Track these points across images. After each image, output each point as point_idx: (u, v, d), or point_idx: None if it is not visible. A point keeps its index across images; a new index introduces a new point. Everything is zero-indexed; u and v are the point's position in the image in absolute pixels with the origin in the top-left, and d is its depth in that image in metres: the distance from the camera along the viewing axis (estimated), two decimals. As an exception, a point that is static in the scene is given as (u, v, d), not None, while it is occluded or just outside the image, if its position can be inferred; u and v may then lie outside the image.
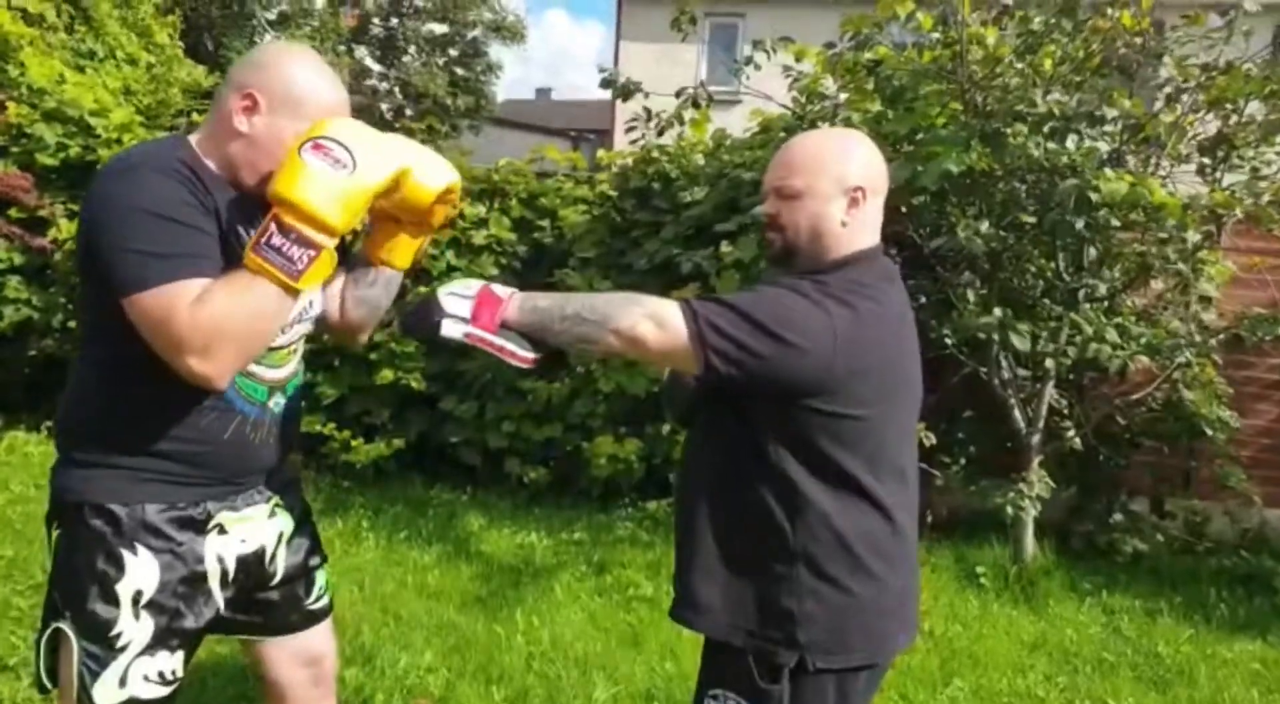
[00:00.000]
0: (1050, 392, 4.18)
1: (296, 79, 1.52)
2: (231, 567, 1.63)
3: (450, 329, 1.50)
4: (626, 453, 4.69)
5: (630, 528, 4.62)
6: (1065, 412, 4.42)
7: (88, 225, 1.46)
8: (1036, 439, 4.20)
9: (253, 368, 1.57)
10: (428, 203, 1.59)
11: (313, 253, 1.39)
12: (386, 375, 4.82)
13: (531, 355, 1.53)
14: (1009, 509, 3.89)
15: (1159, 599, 4.06)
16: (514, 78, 79.77)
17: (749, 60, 4.35)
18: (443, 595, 3.71)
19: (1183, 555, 4.51)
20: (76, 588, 1.50)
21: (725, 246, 4.35)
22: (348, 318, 1.78)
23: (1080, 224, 3.27)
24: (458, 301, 1.51)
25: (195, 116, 5.73)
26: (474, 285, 1.54)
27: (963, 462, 4.65)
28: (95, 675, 1.49)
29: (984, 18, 3.68)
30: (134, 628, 1.51)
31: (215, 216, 1.48)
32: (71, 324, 5.07)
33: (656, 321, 1.48)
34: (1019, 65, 3.45)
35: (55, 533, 1.56)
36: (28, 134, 5.37)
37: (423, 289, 4.39)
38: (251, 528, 1.67)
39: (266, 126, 1.51)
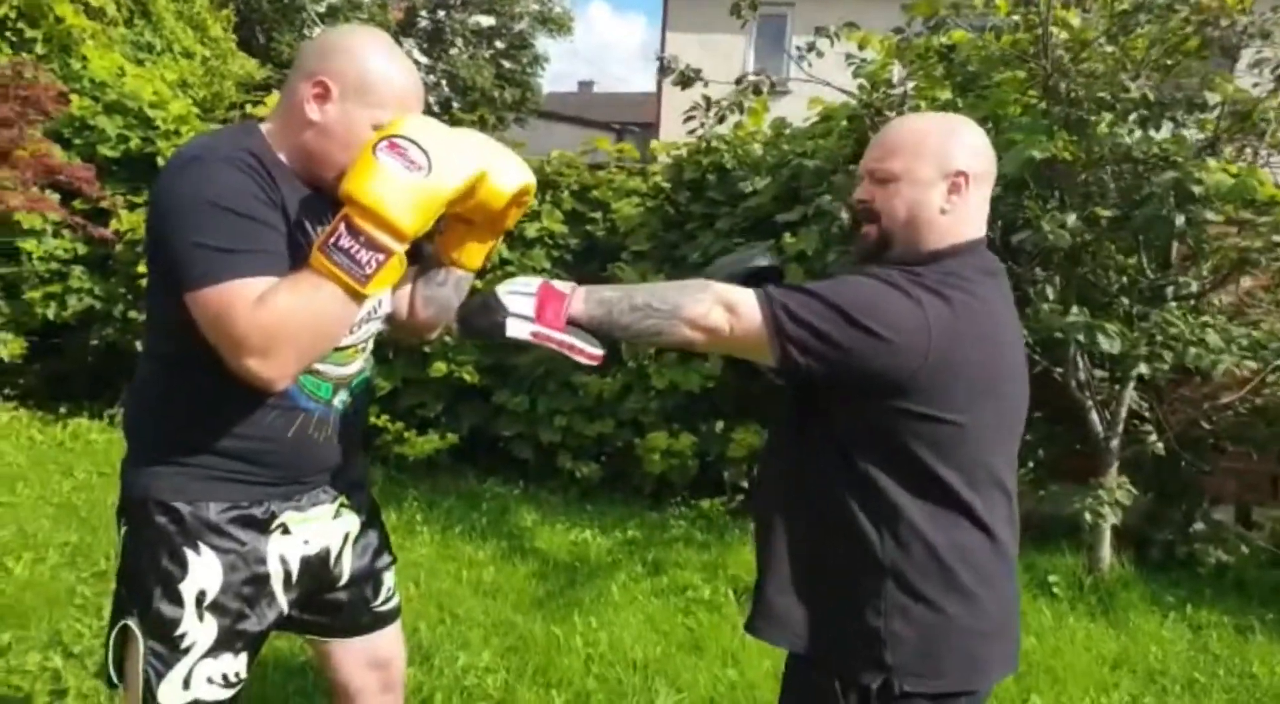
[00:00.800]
0: (1130, 394, 3.99)
1: (370, 64, 1.45)
2: (295, 568, 1.58)
3: (515, 328, 1.41)
4: (680, 447, 4.61)
5: (684, 527, 4.53)
6: (1145, 415, 4.22)
7: (154, 218, 1.41)
8: (1115, 443, 4.01)
9: (318, 365, 1.51)
10: (501, 205, 1.51)
11: (381, 257, 1.32)
12: (440, 368, 4.78)
13: (600, 351, 1.44)
14: (1087, 516, 3.71)
15: (1248, 615, 3.83)
16: (556, 71, 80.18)
17: (811, 47, 4.20)
18: (499, 593, 3.64)
19: (1271, 569, 4.26)
20: (142, 586, 1.47)
21: (788, 238, 4.22)
22: (416, 317, 1.71)
23: (1181, 220, 3.07)
24: (520, 299, 1.42)
25: (250, 109, 5.73)
26: (533, 282, 1.44)
27: (1031, 465, 4.47)
28: (160, 676, 1.46)
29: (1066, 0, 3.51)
30: (198, 629, 1.47)
31: (282, 210, 1.42)
32: (133, 314, 5.12)
33: (729, 308, 1.39)
34: (1109, 49, 3.26)
35: (123, 529, 1.53)
36: (90, 126, 5.42)
37: (479, 285, 4.35)
38: (316, 528, 1.61)
39: (339, 114, 1.45)
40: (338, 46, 1.48)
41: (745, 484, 4.65)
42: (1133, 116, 3.27)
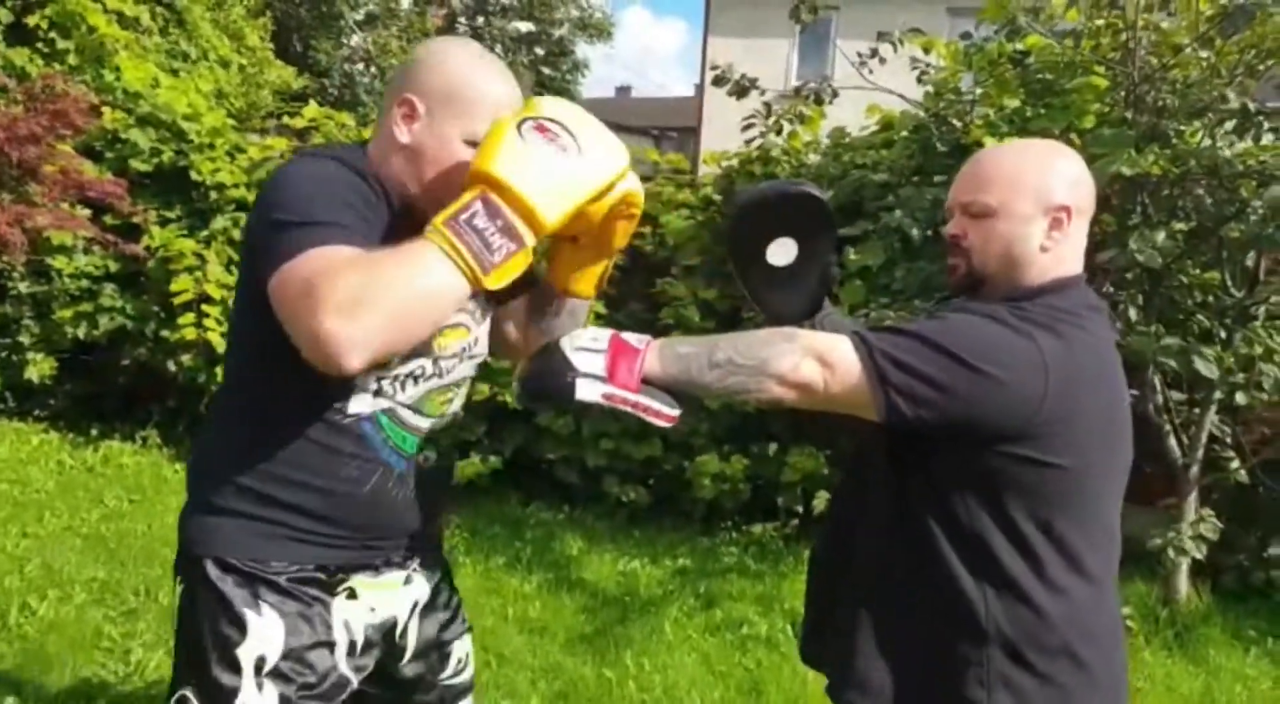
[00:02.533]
0: (1211, 418, 3.77)
1: (456, 73, 1.34)
2: (360, 637, 1.43)
3: (586, 391, 1.24)
4: (733, 471, 4.43)
5: (736, 554, 4.36)
6: (1225, 440, 3.99)
7: (255, 211, 1.31)
8: (1195, 470, 3.79)
9: (405, 415, 1.38)
10: (600, 216, 1.34)
11: (513, 248, 1.16)
12: (482, 390, 4.62)
13: (676, 412, 1.28)
14: (1170, 552, 3.49)
15: (1332, 648, 3.61)
16: (595, 76, 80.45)
17: (874, 53, 4.02)
18: (546, 631, 3.47)
19: (1354, 598, 4.04)
20: (199, 652, 1.33)
21: (851, 253, 4.02)
22: (533, 349, 1.54)
23: (1287, 238, 2.86)
24: (589, 357, 1.26)
25: (287, 119, 5.60)
26: (603, 336, 1.29)
27: (1102, 488, 4.25)
28: None
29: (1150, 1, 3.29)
30: (257, 699, 1.32)
31: (383, 229, 1.30)
32: (165, 333, 5.00)
33: (821, 359, 1.25)
34: (1203, 54, 3.04)
35: (180, 587, 1.38)
36: (122, 139, 5.32)
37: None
38: (385, 596, 1.47)
39: (427, 130, 1.33)
40: (421, 61, 1.37)
41: (800, 509, 4.46)
42: (1227, 126, 3.05)
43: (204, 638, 1.33)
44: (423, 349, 1.37)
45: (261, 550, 1.34)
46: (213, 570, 1.33)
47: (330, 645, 1.39)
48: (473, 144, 1.30)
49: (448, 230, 1.14)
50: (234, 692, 1.31)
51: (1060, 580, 1.30)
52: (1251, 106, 2.92)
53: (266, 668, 1.33)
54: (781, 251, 1.50)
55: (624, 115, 22.98)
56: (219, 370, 4.88)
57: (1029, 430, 1.25)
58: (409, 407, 1.39)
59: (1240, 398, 3.26)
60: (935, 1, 12.69)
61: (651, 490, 4.74)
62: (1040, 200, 1.36)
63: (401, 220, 1.33)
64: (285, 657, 1.34)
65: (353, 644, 1.42)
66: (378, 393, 1.35)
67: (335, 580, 1.40)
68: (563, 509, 4.81)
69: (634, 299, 4.71)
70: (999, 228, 1.37)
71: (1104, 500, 1.37)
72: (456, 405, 1.50)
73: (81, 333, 5.12)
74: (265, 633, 1.33)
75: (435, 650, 1.58)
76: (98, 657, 2.97)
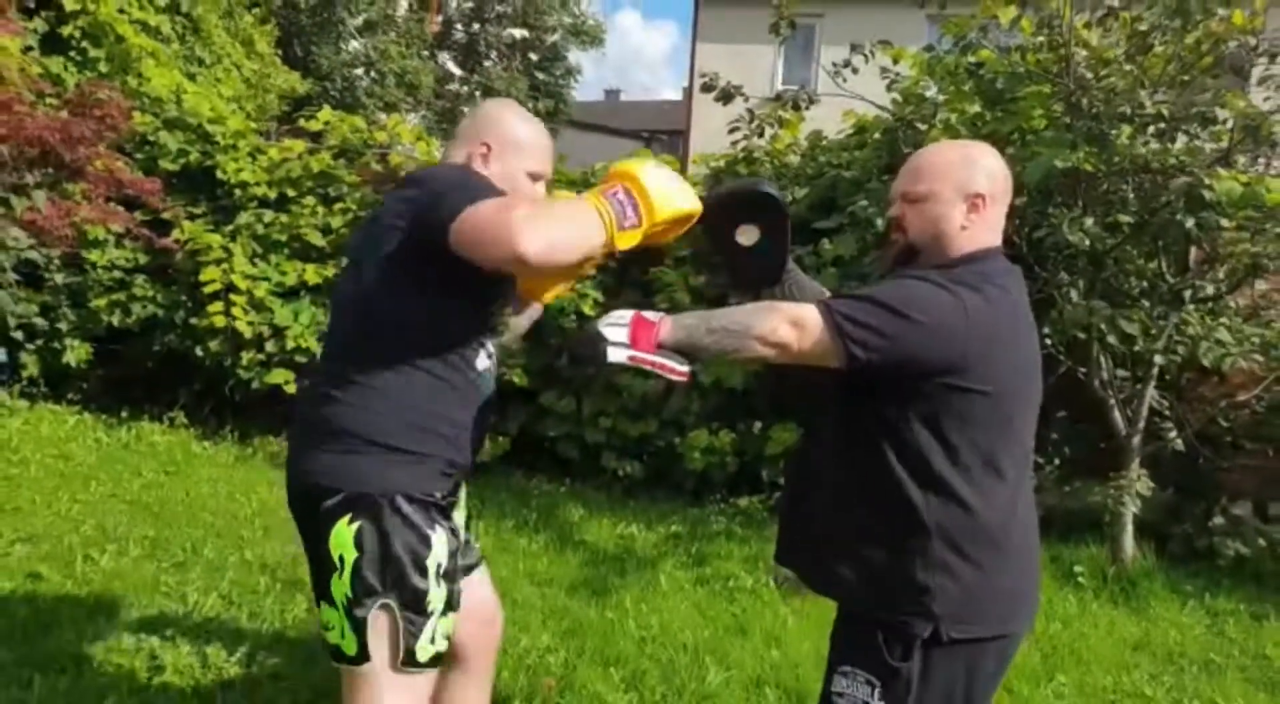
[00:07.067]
0: (1151, 392, 4.17)
1: (517, 127, 1.89)
2: (461, 537, 1.93)
3: (615, 354, 1.63)
4: (721, 445, 4.81)
5: (724, 522, 4.73)
6: (1165, 413, 4.39)
7: (411, 197, 1.72)
8: (1137, 440, 4.19)
9: (485, 361, 1.86)
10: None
11: (635, 222, 1.64)
12: (489, 371, 4.99)
13: (688, 368, 1.66)
14: (1110, 505, 3.88)
15: (1264, 603, 4.00)
16: (583, 79, 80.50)
17: (847, 63, 4.41)
18: (553, 582, 3.85)
19: (1288, 562, 4.43)
20: (396, 567, 1.71)
21: (825, 244, 4.42)
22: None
23: (1191, 223, 3.28)
24: (616, 330, 1.64)
25: (302, 122, 5.96)
26: (626, 314, 1.66)
27: (1057, 461, 4.65)
28: (415, 638, 1.72)
29: (1088, 19, 3.70)
30: (436, 594, 1.75)
31: None
32: (194, 321, 5.37)
33: (794, 323, 1.59)
34: (1128, 67, 3.46)
35: (354, 524, 1.70)
36: (151, 141, 5.69)
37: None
38: (462, 502, 2.01)
39: (500, 166, 1.85)
40: (489, 115, 1.92)
41: (783, 481, 4.83)
42: (1150, 129, 3.46)
43: (401, 557, 1.71)
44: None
45: (430, 485, 1.76)
46: (403, 504, 1.72)
47: (458, 548, 1.84)
48: (531, 176, 1.87)
49: (602, 198, 1.62)
50: (425, 592, 1.73)
51: (984, 484, 1.61)
52: (1166, 112, 3.34)
53: (442, 570, 1.75)
54: (746, 235, 1.90)
55: (614, 118, 23.30)
56: (244, 355, 5.26)
57: (955, 365, 1.57)
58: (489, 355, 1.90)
59: (1159, 359, 3.65)
60: (915, 9, 13.07)
61: (646, 465, 5.11)
62: (961, 189, 1.69)
63: None
64: (449, 559, 1.77)
65: (458, 544, 1.87)
66: (490, 355, 1.87)
67: (453, 500, 1.87)
68: (563, 482, 5.19)
69: (631, 286, 5.09)
70: (929, 210, 1.71)
71: (1018, 422, 1.67)
72: None
73: (115, 320, 5.50)
74: (440, 545, 1.75)
75: (472, 531, 2.15)
76: (158, 600, 3.34)
